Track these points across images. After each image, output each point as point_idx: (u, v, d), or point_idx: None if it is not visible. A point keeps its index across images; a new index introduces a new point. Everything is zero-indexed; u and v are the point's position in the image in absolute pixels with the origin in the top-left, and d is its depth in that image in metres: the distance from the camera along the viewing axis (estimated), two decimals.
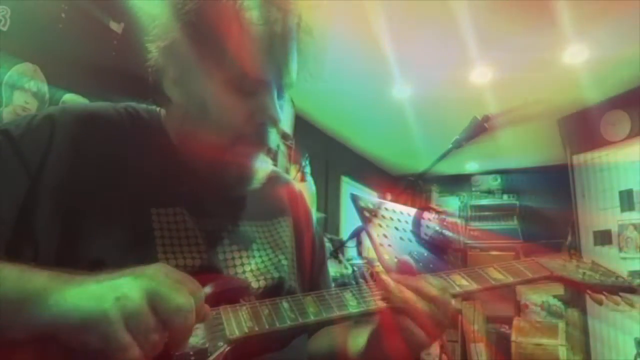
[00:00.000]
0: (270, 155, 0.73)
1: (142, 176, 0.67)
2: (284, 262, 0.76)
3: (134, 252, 0.61)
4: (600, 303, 0.76)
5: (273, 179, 0.86)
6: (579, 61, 3.30)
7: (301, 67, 0.72)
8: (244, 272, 0.69)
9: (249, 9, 0.64)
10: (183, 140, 0.71)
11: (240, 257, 0.70)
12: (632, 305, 0.74)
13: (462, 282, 0.67)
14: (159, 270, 0.51)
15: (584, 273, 0.77)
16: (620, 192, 3.85)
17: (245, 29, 0.64)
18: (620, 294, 0.76)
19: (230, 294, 0.61)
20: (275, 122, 0.68)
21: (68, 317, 0.45)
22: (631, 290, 0.75)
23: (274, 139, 0.71)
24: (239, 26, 0.63)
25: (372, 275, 3.08)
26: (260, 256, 0.73)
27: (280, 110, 0.70)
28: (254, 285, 0.69)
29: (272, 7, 0.65)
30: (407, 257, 0.65)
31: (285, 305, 0.58)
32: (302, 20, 0.68)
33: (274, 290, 0.71)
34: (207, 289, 0.58)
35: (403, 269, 0.63)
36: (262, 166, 0.72)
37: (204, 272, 0.65)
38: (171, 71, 0.70)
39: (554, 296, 4.40)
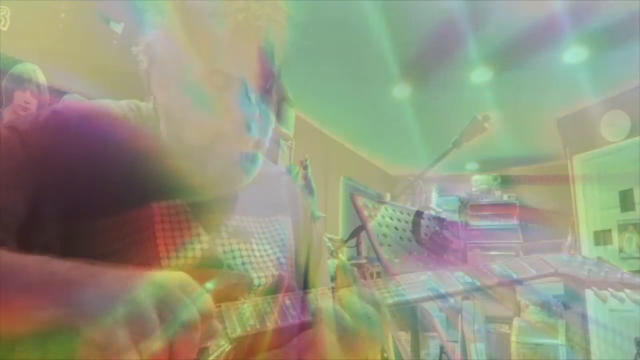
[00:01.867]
0: (260, 149, 0.71)
1: (144, 171, 0.68)
2: (283, 260, 0.75)
3: (135, 245, 0.62)
4: (605, 300, 0.76)
5: (274, 176, 0.86)
6: (579, 61, 3.31)
7: (278, 55, 0.70)
8: (243, 264, 0.70)
9: (213, 4, 0.64)
10: (171, 139, 0.71)
11: (240, 250, 0.70)
12: (637, 302, 0.74)
13: (466, 279, 0.66)
14: (175, 280, 0.51)
15: (590, 270, 0.77)
16: (620, 192, 3.85)
17: (209, 23, 0.63)
18: (626, 290, 0.75)
19: (231, 290, 0.61)
20: (251, 116, 0.66)
21: (83, 311, 0.46)
22: (636, 287, 0.74)
23: (258, 132, 0.69)
24: (203, 22, 0.63)
25: (372, 275, 3.08)
26: (259, 251, 0.73)
27: (264, 103, 0.69)
28: (255, 282, 0.69)
29: None
30: (345, 265, 0.63)
31: (287, 302, 0.57)
32: (272, 6, 0.67)
33: (274, 288, 0.71)
34: (209, 285, 0.58)
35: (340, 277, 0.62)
36: (252, 162, 0.71)
37: (204, 265, 0.65)
38: (154, 73, 0.70)
39: (554, 296, 4.40)
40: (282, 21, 0.68)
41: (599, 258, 0.81)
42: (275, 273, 0.72)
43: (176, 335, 0.47)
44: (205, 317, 0.50)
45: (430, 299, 0.63)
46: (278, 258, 0.75)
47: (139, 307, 0.46)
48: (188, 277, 0.52)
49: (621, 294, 0.75)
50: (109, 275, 0.50)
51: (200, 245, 0.66)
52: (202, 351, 0.52)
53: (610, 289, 0.75)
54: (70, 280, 0.49)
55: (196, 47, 0.64)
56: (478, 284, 0.67)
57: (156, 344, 0.46)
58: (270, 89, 0.70)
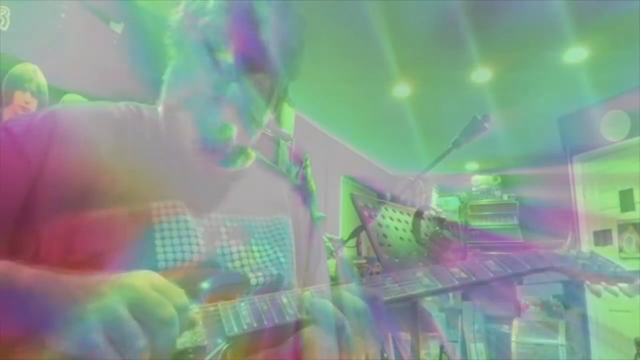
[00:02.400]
0: (237, 125, 0.71)
1: (142, 170, 0.68)
2: (282, 259, 0.75)
3: (132, 245, 0.62)
4: (599, 294, 0.76)
5: (274, 176, 0.87)
6: (579, 61, 3.31)
7: (276, 41, 0.72)
8: (242, 266, 0.70)
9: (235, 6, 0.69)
10: (168, 119, 0.74)
11: (239, 252, 0.70)
12: (630, 295, 0.74)
13: (461, 275, 0.67)
14: (144, 279, 0.50)
15: (583, 264, 0.77)
16: (620, 192, 3.84)
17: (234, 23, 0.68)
18: (619, 284, 0.76)
19: (228, 289, 0.61)
20: (218, 79, 0.69)
21: (50, 322, 0.46)
22: (629, 280, 0.75)
23: (233, 104, 0.70)
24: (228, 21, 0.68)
25: (371, 275, 3.08)
26: (259, 251, 0.73)
27: (250, 82, 0.70)
28: (252, 282, 0.69)
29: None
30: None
31: (284, 300, 0.57)
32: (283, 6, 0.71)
33: (272, 288, 0.71)
34: (205, 284, 0.58)
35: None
36: (230, 139, 0.71)
37: (202, 266, 0.65)
38: (167, 43, 0.75)
39: (554, 296, 4.39)
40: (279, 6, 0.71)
41: (592, 252, 0.82)
42: (275, 273, 0.72)
43: (156, 334, 0.47)
44: (181, 310, 0.50)
45: (426, 294, 0.63)
46: (278, 257, 0.75)
47: (112, 313, 0.46)
48: (156, 275, 0.52)
49: (614, 288, 0.75)
50: (74, 283, 0.49)
51: (199, 248, 0.66)
52: (200, 350, 0.52)
53: (603, 283, 0.76)
54: (33, 290, 0.48)
55: (205, 14, 0.69)
56: (474, 279, 0.67)
57: (137, 344, 0.46)
58: (260, 68, 0.71)
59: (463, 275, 0.66)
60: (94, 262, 0.51)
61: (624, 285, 0.74)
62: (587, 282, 0.76)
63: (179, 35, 0.73)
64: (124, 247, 0.60)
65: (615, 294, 0.75)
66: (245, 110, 0.71)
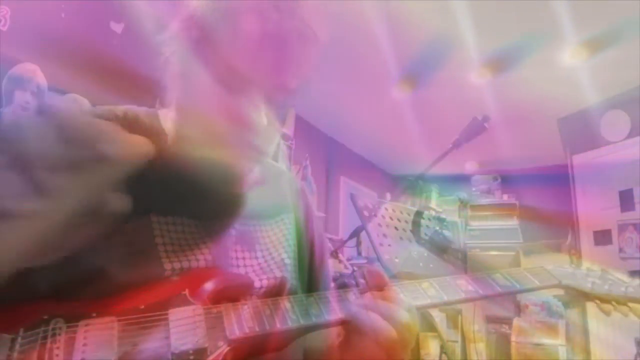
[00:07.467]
0: (263, 157, 0.70)
1: (141, 181, 0.67)
2: (287, 260, 0.75)
3: (136, 259, 0.60)
4: (608, 314, 0.74)
5: (276, 175, 0.86)
6: (579, 61, 3.30)
7: (300, 70, 0.70)
8: (246, 273, 0.69)
9: (245, 8, 0.64)
10: (176, 139, 0.71)
11: (244, 259, 0.70)
12: None
13: (468, 288, 0.66)
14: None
15: (593, 282, 0.75)
16: (620, 192, 3.84)
17: (239, 27, 0.63)
18: (629, 304, 0.74)
19: (231, 292, 0.61)
20: (252, 125, 0.64)
21: None
22: None
23: (262, 140, 0.67)
24: (234, 24, 0.63)
25: None
26: (264, 256, 0.73)
27: (273, 113, 0.67)
28: (257, 284, 0.68)
29: (270, 7, 0.63)
30: (376, 269, 0.63)
31: (287, 305, 0.57)
32: (303, 24, 0.65)
33: (277, 289, 0.70)
34: (209, 286, 0.58)
35: (373, 281, 0.62)
36: (251, 167, 0.70)
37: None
38: (174, 64, 0.69)
39: (554, 296, 4.39)
40: (311, 38, 0.66)
41: (603, 269, 0.80)
42: (279, 275, 0.72)
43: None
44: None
45: (431, 306, 0.63)
46: (283, 259, 0.75)
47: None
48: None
49: (625, 308, 0.73)
50: None
51: (204, 255, 0.66)
52: (200, 352, 0.52)
53: (613, 303, 0.74)
54: None
55: (219, 42, 0.63)
56: (480, 292, 0.67)
57: None
58: (284, 102, 0.69)
59: (470, 288, 0.66)
60: (96, 280, 0.50)
61: (634, 305, 0.73)
62: (597, 301, 0.75)
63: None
64: (126, 262, 0.59)
65: (625, 314, 0.73)
66: (271, 144, 0.70)
